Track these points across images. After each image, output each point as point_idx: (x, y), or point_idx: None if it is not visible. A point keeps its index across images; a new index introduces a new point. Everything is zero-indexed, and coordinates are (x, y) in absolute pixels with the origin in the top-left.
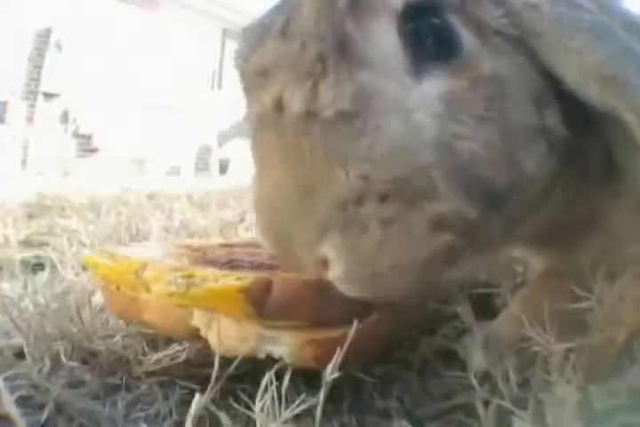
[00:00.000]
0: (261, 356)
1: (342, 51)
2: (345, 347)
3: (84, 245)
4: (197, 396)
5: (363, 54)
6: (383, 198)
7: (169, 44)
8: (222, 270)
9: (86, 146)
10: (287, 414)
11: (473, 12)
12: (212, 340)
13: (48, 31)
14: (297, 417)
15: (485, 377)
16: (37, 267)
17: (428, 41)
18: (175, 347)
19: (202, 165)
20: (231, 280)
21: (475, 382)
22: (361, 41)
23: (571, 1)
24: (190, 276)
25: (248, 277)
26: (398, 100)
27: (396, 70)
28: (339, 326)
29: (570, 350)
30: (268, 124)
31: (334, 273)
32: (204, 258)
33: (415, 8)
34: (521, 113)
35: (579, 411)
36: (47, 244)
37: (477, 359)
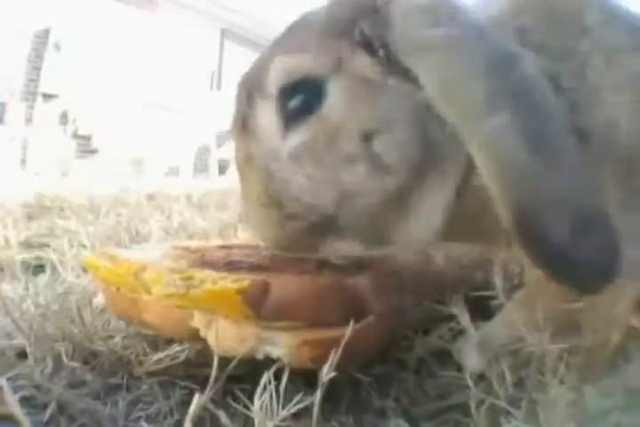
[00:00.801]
0: (260, 357)
1: (244, 124)
2: (341, 348)
3: (84, 246)
4: (197, 395)
5: (252, 129)
6: (266, 206)
7: (168, 45)
8: (220, 272)
9: (85, 147)
10: (285, 412)
11: (352, 68)
12: (212, 341)
13: (46, 32)
14: (295, 417)
15: (481, 377)
16: (38, 268)
17: (298, 109)
18: (175, 347)
19: (201, 166)
20: (229, 282)
21: (470, 381)
22: (252, 119)
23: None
24: (189, 278)
25: (246, 279)
26: (266, 159)
27: (272, 138)
28: (336, 327)
29: (564, 350)
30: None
31: None
32: (201, 260)
33: (291, 88)
34: (347, 147)
35: (572, 411)
36: (47, 245)
37: (472, 362)
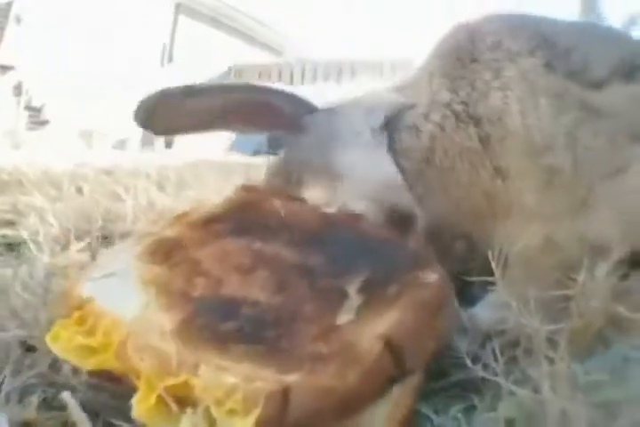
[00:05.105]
0: None
1: None
2: None
3: (52, 225)
4: None
5: None
6: None
7: (122, 18)
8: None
9: (36, 118)
10: None
11: None
12: None
13: (9, 4)
14: None
15: (475, 358)
16: (8, 247)
17: None
18: None
19: (147, 139)
20: (237, 401)
21: (468, 360)
22: None
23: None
24: (186, 384)
25: (255, 382)
26: None
27: None
28: None
29: (552, 332)
30: None
31: None
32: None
33: None
34: None
35: (571, 383)
36: (13, 223)
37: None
